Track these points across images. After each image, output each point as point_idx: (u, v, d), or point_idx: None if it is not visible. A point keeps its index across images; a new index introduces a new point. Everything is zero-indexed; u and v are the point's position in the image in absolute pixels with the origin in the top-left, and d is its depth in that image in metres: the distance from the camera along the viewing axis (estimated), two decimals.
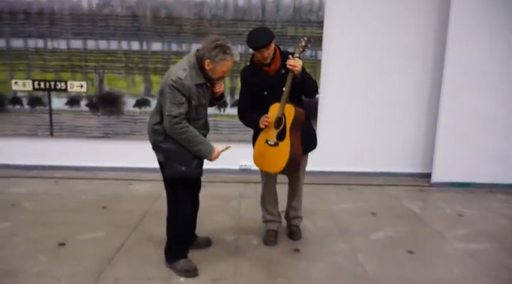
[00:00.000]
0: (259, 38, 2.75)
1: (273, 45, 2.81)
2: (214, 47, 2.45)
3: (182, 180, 2.60)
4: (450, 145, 4.79)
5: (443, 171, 4.86)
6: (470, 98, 4.71)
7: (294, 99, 2.86)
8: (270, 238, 3.18)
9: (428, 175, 5.00)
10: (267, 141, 2.88)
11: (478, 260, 3.03)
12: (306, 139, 2.97)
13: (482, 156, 4.81)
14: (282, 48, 2.98)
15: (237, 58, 2.54)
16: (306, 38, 2.83)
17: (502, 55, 4.67)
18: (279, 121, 2.83)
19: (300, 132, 2.87)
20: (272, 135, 2.86)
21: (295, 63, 2.71)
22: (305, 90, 2.91)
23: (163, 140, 2.55)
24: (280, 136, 2.82)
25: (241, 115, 3.06)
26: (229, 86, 4.84)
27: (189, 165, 2.54)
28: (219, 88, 2.70)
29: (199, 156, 2.59)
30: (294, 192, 3.26)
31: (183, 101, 2.45)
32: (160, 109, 2.57)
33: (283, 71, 2.84)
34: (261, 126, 2.88)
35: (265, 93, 2.90)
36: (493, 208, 4.21)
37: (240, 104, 3.07)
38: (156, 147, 2.62)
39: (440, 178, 4.88)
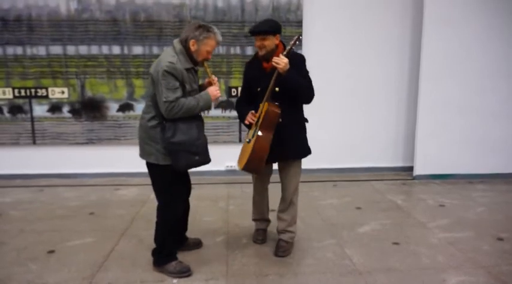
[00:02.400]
0: (258, 25, 2.76)
1: (272, 39, 2.74)
2: (197, 27, 2.56)
3: (175, 178, 2.64)
4: (430, 138, 4.92)
5: (424, 163, 5.00)
6: (447, 89, 4.84)
7: (290, 105, 2.81)
8: (258, 237, 3.21)
9: (410, 169, 5.13)
10: (246, 138, 2.91)
11: (459, 248, 3.14)
12: (293, 144, 2.91)
13: (460, 148, 4.96)
14: None
15: (220, 37, 2.62)
16: (295, 37, 2.72)
17: (478, 44, 4.79)
18: (257, 119, 2.80)
19: (270, 132, 2.75)
20: (251, 132, 2.85)
21: (278, 61, 2.62)
22: (295, 93, 2.78)
23: (173, 134, 2.51)
24: (254, 135, 2.79)
25: (236, 107, 3.11)
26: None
27: (200, 153, 2.57)
28: (217, 87, 2.70)
29: (205, 110, 2.65)
30: (283, 200, 3.05)
31: (177, 86, 2.50)
32: (152, 102, 2.58)
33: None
34: (246, 122, 2.88)
35: (259, 89, 2.85)
36: (472, 197, 4.36)
37: (239, 96, 3.14)
38: (166, 144, 2.53)
39: (422, 171, 5.01)
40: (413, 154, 5.08)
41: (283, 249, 3.02)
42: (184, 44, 2.56)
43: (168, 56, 2.53)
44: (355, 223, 3.62)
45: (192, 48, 2.56)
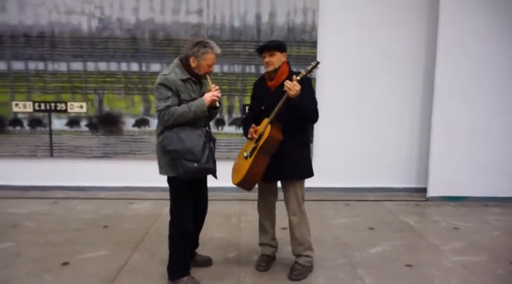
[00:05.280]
0: (266, 42, 2.86)
1: (279, 55, 2.81)
2: (195, 44, 2.67)
3: (184, 191, 2.69)
4: (444, 160, 4.89)
5: (438, 185, 4.95)
6: (462, 110, 4.84)
7: (292, 123, 2.80)
8: (261, 263, 3.07)
9: (424, 190, 5.09)
10: (244, 152, 2.91)
11: (473, 271, 3.10)
12: (294, 163, 2.86)
13: (476, 169, 4.91)
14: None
15: (218, 50, 2.72)
16: (313, 63, 2.70)
17: (493, 64, 4.80)
18: (259, 137, 2.79)
19: (267, 157, 2.75)
20: (249, 148, 2.84)
21: (291, 87, 2.61)
22: (301, 116, 2.79)
23: (170, 143, 2.61)
24: (252, 153, 2.78)
25: (242, 123, 3.16)
26: (227, 105, 4.95)
27: (200, 160, 2.59)
28: (216, 93, 2.72)
29: (200, 115, 2.66)
30: (289, 222, 2.98)
31: (169, 95, 2.62)
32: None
33: (284, 89, 2.67)
34: (249, 136, 2.89)
35: (263, 108, 2.86)
36: (487, 220, 4.30)
37: (246, 114, 3.18)
38: (165, 152, 2.64)
39: (436, 193, 4.96)
40: (426, 176, 5.05)
41: (296, 272, 2.94)
42: (185, 61, 2.68)
43: (164, 71, 2.70)
44: (367, 244, 3.60)
45: (193, 64, 2.67)
